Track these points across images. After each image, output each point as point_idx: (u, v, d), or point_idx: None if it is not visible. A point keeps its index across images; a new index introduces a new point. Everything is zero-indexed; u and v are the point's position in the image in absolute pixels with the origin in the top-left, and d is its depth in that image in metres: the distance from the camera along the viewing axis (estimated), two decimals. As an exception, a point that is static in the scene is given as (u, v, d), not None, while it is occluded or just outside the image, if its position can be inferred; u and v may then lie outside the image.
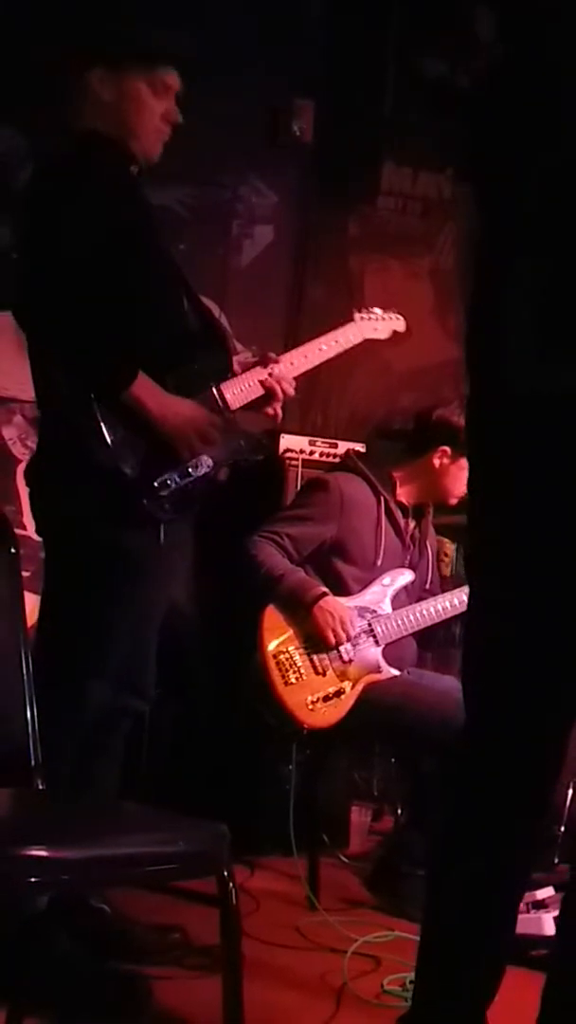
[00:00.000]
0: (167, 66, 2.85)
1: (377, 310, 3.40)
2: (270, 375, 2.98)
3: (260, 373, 2.99)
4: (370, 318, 3.37)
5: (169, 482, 2.75)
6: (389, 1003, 2.68)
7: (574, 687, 1.93)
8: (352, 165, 5.04)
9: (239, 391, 2.95)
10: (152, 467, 2.74)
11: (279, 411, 3.05)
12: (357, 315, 3.35)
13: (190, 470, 2.78)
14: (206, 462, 2.81)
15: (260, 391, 2.98)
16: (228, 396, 2.92)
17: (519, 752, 1.96)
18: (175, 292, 2.87)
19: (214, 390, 2.89)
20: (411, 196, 5.12)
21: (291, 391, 3.04)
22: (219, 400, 2.89)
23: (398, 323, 3.45)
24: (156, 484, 2.73)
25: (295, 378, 3.08)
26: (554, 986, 1.82)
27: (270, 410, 3.03)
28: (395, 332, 3.45)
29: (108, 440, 2.66)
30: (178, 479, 2.76)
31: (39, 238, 2.67)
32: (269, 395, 2.99)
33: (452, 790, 2.09)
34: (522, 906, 2.91)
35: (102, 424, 2.66)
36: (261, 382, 2.97)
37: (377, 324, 3.38)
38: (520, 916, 2.84)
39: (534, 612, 1.93)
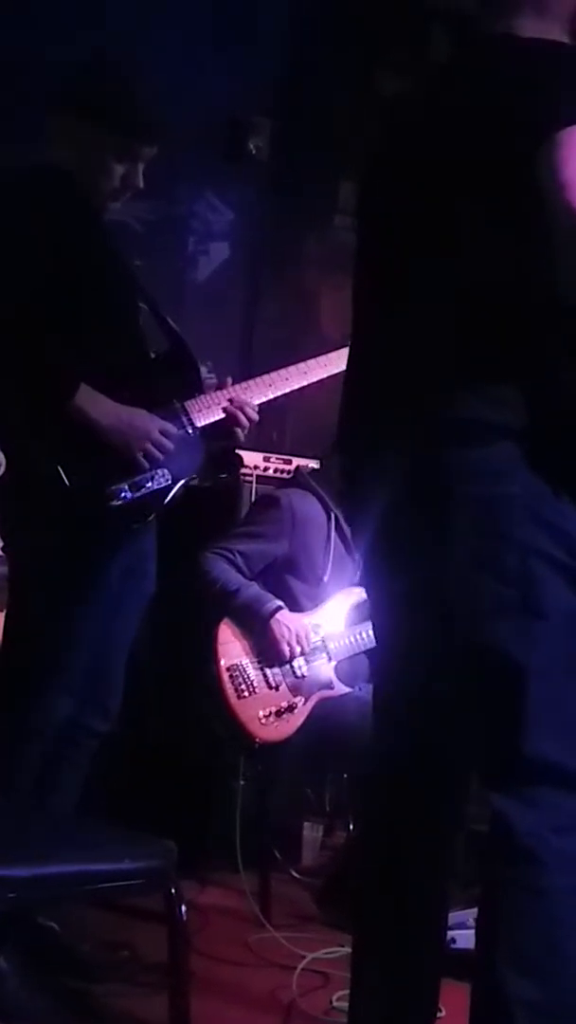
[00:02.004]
0: (142, 138, 2.82)
1: None
2: (231, 401, 2.96)
3: (223, 397, 2.97)
4: None
5: (121, 493, 2.73)
6: (337, 1019, 2.69)
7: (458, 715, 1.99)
8: (309, 183, 5.06)
9: (205, 410, 2.94)
10: (103, 477, 2.72)
11: (241, 436, 3.04)
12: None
13: (146, 483, 2.77)
14: (163, 476, 2.79)
15: (222, 415, 2.96)
16: (194, 414, 2.91)
17: (422, 757, 2.02)
18: (130, 310, 2.87)
19: (178, 406, 2.89)
20: (367, 214, 5.13)
21: (254, 416, 3.02)
22: (184, 416, 2.89)
23: None
24: (106, 493, 2.71)
25: (269, 401, 3.08)
26: (476, 983, 1.86)
27: (235, 435, 3.01)
28: None
29: (54, 453, 2.66)
30: (128, 490, 2.74)
31: None
32: (231, 420, 2.98)
33: (368, 801, 2.16)
34: (470, 921, 2.93)
35: (47, 438, 2.67)
36: (223, 408, 2.96)
37: None
38: (468, 931, 2.87)
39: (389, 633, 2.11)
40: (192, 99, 4.43)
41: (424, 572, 1.93)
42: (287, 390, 3.14)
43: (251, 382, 3.06)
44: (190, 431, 2.89)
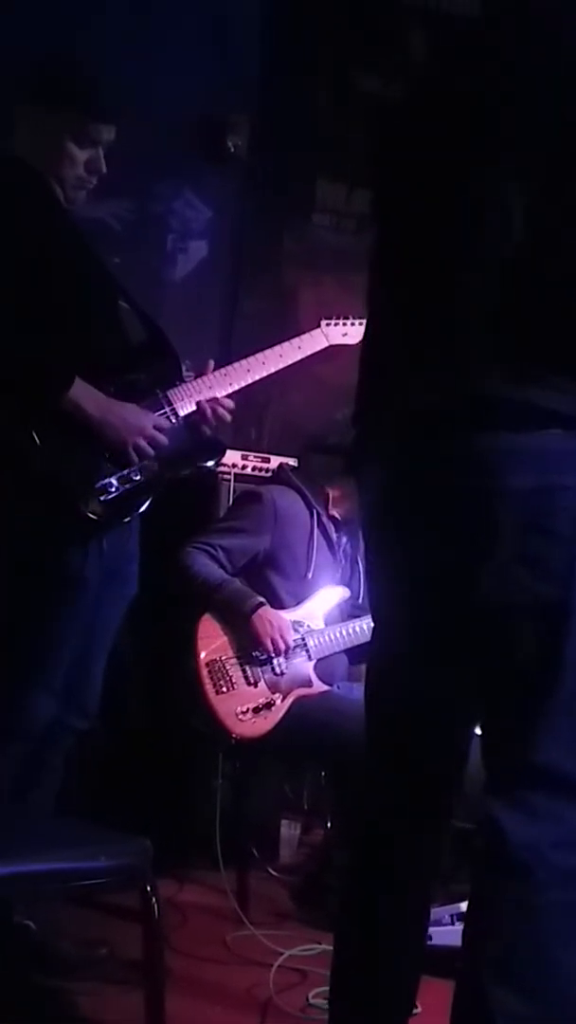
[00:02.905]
0: (99, 120, 2.82)
1: (349, 318, 3.45)
2: (208, 401, 2.98)
3: (204, 385, 2.99)
4: (338, 324, 3.41)
5: (110, 487, 2.74)
6: (314, 1016, 2.69)
7: (458, 702, 1.97)
8: (287, 181, 5.06)
9: (187, 399, 2.95)
10: (93, 473, 2.73)
11: (212, 431, 3.04)
12: (324, 322, 3.40)
13: (133, 475, 2.78)
14: (151, 468, 2.80)
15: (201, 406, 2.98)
16: (176, 403, 2.92)
17: (416, 756, 2.00)
18: (109, 303, 2.86)
19: (161, 396, 2.90)
20: (345, 213, 5.15)
21: (227, 417, 3.03)
22: (167, 406, 2.90)
23: None
24: (96, 487, 2.72)
25: (248, 386, 3.10)
26: (458, 992, 1.84)
27: (204, 428, 3.03)
28: None
29: (44, 450, 2.65)
30: (117, 483, 2.75)
31: None
32: (202, 416, 2.99)
33: (358, 797, 2.13)
34: (446, 918, 2.95)
35: (35, 434, 2.66)
36: (197, 403, 2.97)
37: (347, 330, 3.43)
38: (445, 928, 2.88)
39: (397, 636, 2.02)
40: (170, 97, 4.43)
41: (455, 559, 1.84)
42: (264, 374, 3.17)
43: (229, 368, 3.08)
44: (173, 420, 2.90)
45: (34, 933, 2.77)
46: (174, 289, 4.84)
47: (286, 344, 3.25)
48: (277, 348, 3.22)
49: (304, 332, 3.39)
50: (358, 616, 3.66)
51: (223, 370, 3.07)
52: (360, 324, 3.48)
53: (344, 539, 3.76)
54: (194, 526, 3.67)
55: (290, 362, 3.24)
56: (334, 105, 5.08)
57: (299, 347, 3.28)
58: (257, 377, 3.14)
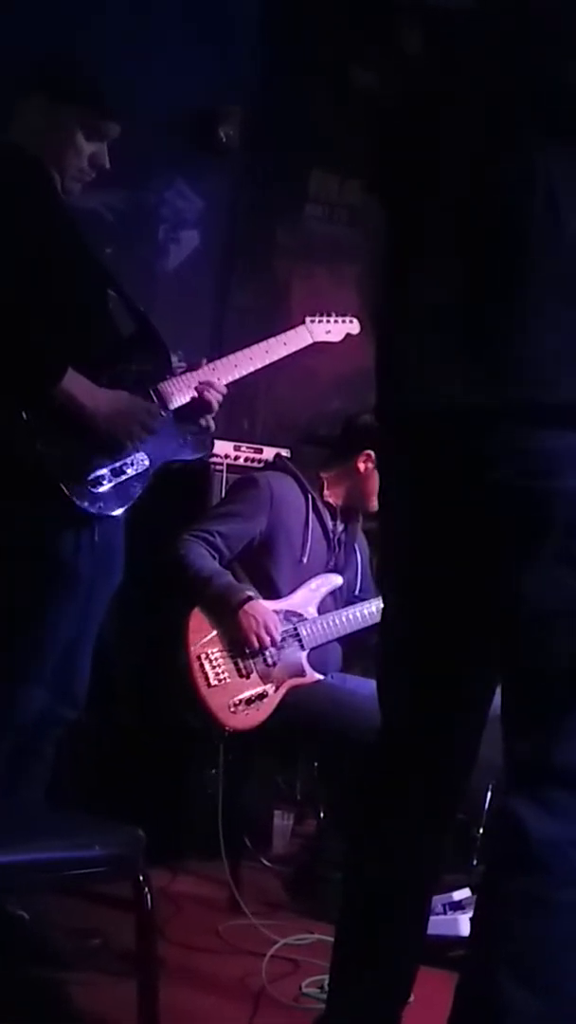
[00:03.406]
0: (109, 117, 2.85)
1: (332, 315, 3.48)
2: (203, 385, 3.00)
3: (194, 379, 3.00)
4: (322, 321, 3.42)
5: (102, 478, 2.74)
6: (307, 1005, 2.69)
7: (469, 688, 1.97)
8: (280, 172, 5.05)
9: (176, 392, 2.96)
10: (85, 463, 2.73)
11: (211, 422, 3.07)
12: (308, 319, 3.41)
13: (126, 468, 2.78)
14: (141, 459, 2.82)
15: (193, 395, 2.99)
16: (166, 396, 2.93)
17: (421, 753, 2.00)
18: (99, 294, 2.86)
19: (151, 390, 2.90)
20: (338, 204, 5.14)
21: (223, 390, 3.05)
22: (156, 399, 2.90)
23: (352, 326, 3.53)
24: (90, 479, 2.72)
25: (236, 380, 3.11)
26: (465, 985, 1.84)
27: (202, 420, 3.04)
28: (348, 335, 3.51)
29: (38, 442, 2.66)
30: (110, 475, 2.75)
31: None
32: (202, 404, 3.00)
33: (363, 792, 2.12)
34: (439, 907, 2.95)
35: (30, 425, 2.65)
36: (196, 389, 2.99)
37: (330, 327, 3.44)
38: (437, 918, 2.89)
39: (410, 619, 2.02)
40: (163, 87, 4.42)
41: (494, 557, 1.84)
42: (251, 369, 3.18)
43: (217, 363, 3.09)
44: (163, 414, 2.91)
45: (27, 923, 2.77)
46: (166, 279, 4.83)
47: (272, 340, 3.27)
48: (263, 344, 3.24)
49: (293, 325, 3.40)
50: (352, 604, 3.67)
51: (211, 365, 3.08)
52: (343, 321, 3.50)
53: (339, 526, 3.77)
54: (187, 518, 3.67)
55: (276, 358, 3.26)
56: (329, 96, 5.07)
57: (284, 343, 3.30)
58: (244, 372, 3.16)
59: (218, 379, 3.05)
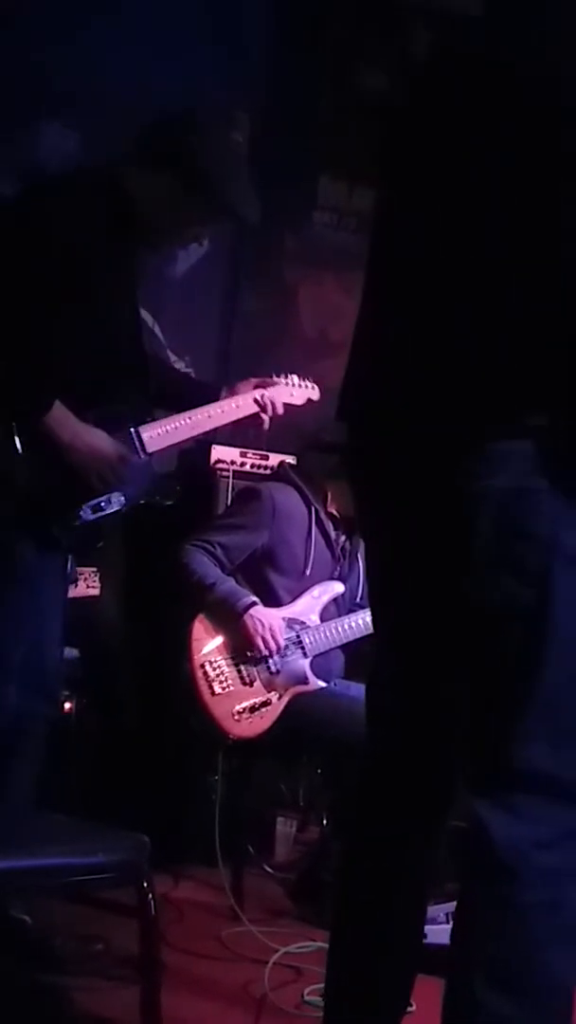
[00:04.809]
0: (240, 219, 2.95)
1: (294, 377, 3.49)
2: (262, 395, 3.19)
3: (170, 423, 3.06)
4: (286, 384, 3.44)
5: (82, 514, 2.83)
6: (309, 1013, 2.70)
7: (449, 693, 1.98)
8: (288, 178, 5.06)
9: (158, 434, 3.02)
10: (66, 496, 2.81)
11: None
12: (255, 391, 3.38)
13: (102, 505, 2.86)
14: (118, 499, 2.89)
15: (183, 436, 3.09)
16: (146, 438, 2.98)
17: (409, 758, 2.01)
18: (120, 333, 2.92)
19: (132, 431, 2.96)
20: (346, 211, 5.15)
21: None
22: (136, 441, 2.96)
23: (312, 392, 3.55)
24: (70, 514, 2.81)
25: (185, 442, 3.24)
26: (447, 992, 1.85)
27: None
28: (309, 400, 3.54)
29: (25, 462, 2.72)
30: (90, 512, 2.84)
31: None
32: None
33: (356, 799, 2.13)
34: (440, 916, 2.95)
35: (20, 447, 2.71)
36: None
37: (293, 390, 3.47)
38: (439, 927, 2.88)
39: (387, 625, 2.07)
40: (172, 94, 4.42)
41: (436, 562, 1.86)
42: (208, 428, 3.24)
43: (183, 416, 3.12)
44: (142, 456, 2.98)
45: (30, 928, 2.78)
46: (174, 286, 4.84)
47: (224, 402, 3.28)
48: (216, 405, 3.25)
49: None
50: (355, 612, 3.67)
51: (184, 415, 3.12)
52: (306, 386, 3.52)
53: (342, 536, 3.77)
54: (193, 524, 3.68)
55: (227, 421, 3.30)
56: (337, 103, 5.08)
57: (236, 406, 3.30)
58: (201, 431, 3.23)
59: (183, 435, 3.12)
